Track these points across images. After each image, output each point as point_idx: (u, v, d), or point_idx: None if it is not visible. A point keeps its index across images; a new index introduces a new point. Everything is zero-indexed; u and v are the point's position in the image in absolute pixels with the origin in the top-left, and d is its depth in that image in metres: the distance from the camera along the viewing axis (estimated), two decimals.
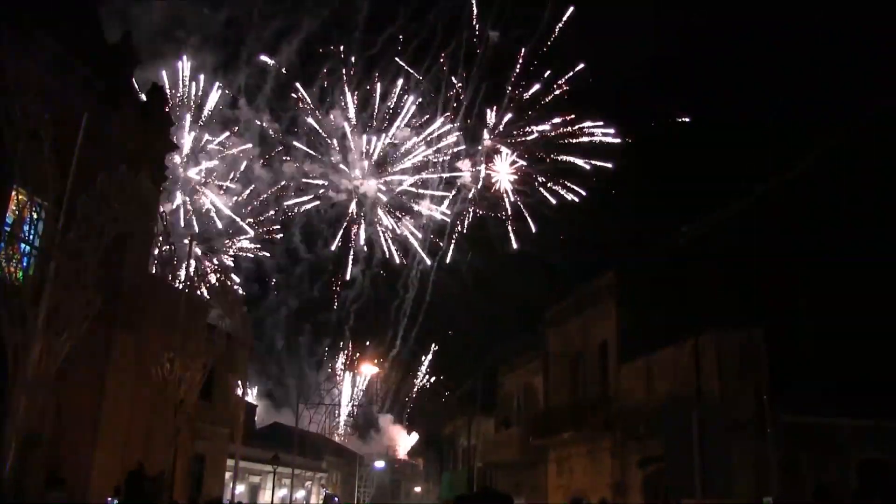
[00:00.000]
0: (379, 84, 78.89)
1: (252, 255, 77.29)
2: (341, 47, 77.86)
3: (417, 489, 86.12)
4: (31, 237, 19.75)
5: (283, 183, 78.34)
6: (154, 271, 22.29)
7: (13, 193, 19.41)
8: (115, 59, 25.03)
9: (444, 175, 79.31)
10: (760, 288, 22.11)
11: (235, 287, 26.29)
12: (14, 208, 19.93)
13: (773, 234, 23.29)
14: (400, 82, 79.17)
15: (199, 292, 23.91)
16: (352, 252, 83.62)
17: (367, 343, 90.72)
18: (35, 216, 19.53)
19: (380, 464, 78.54)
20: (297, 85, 77.71)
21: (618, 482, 26.08)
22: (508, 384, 40.47)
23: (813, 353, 20.33)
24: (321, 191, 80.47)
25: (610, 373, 28.07)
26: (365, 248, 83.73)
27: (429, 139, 79.01)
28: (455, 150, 79.14)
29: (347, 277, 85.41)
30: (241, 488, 43.61)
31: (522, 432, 34.77)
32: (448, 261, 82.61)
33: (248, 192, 75.65)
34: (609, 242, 66.80)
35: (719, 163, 61.22)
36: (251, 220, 76.23)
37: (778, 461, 17.22)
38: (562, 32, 76.19)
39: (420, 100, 79.37)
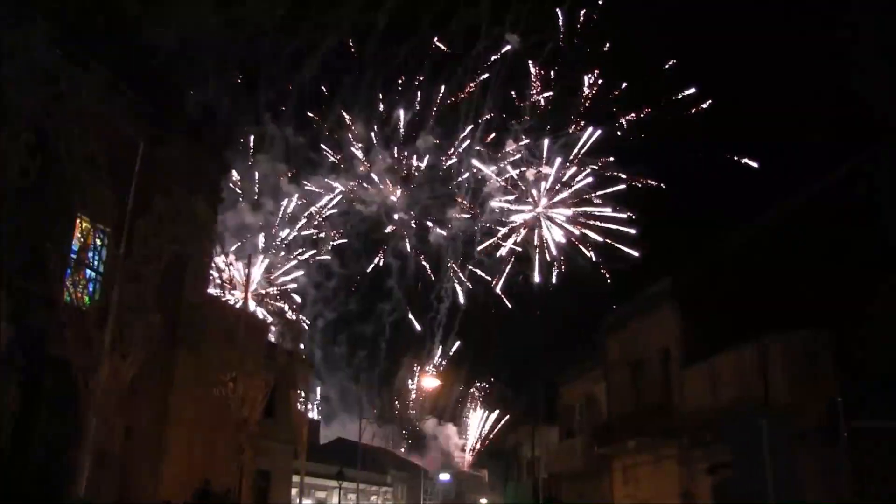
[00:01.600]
0: (400, 96, 79.26)
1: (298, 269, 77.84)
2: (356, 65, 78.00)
3: (483, 501, 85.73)
4: (96, 263, 20.24)
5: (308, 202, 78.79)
6: (213, 291, 22.65)
7: (77, 221, 19.91)
8: (165, 84, 25.52)
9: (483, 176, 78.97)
10: (826, 288, 21.50)
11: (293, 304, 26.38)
12: (79, 235, 20.46)
13: (838, 230, 22.65)
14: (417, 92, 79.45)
15: (257, 311, 24.18)
16: (385, 265, 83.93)
17: (408, 354, 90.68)
18: (98, 242, 20.02)
19: (444, 476, 78.41)
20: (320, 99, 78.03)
21: (685, 490, 25.59)
22: (569, 394, 40.11)
23: (883, 354, 19.69)
24: (352, 205, 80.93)
25: (672, 379, 27.60)
26: (399, 261, 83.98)
27: (454, 151, 79.03)
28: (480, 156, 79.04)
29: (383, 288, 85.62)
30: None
31: (586, 442, 34.40)
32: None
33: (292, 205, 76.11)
34: (666, 246, 65.84)
35: (779, 158, 60.12)
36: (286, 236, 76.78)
37: (849, 469, 16.65)
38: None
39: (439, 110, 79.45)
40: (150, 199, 17.24)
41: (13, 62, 13.31)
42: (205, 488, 23.67)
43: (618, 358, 32.88)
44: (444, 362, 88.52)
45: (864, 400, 17.81)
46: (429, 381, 68.47)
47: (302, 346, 27.35)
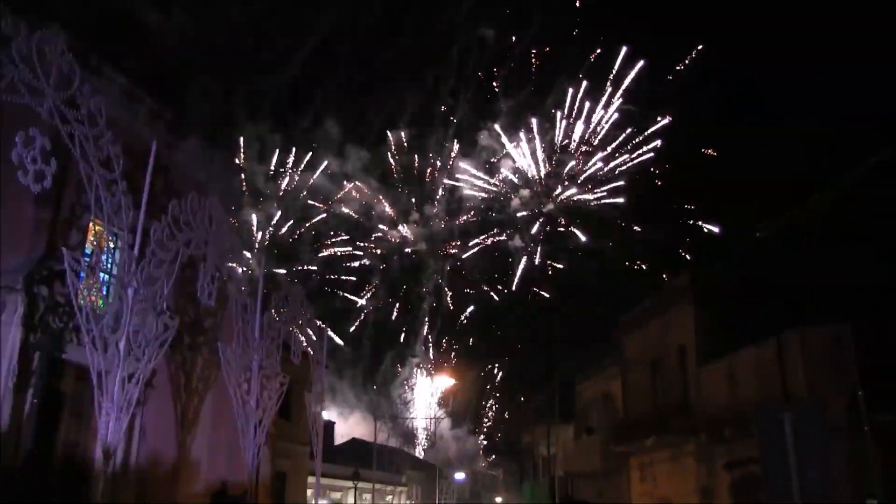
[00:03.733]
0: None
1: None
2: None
3: (498, 500, 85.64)
4: (109, 266, 20.22)
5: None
6: (227, 292, 22.63)
7: (90, 224, 19.92)
8: (179, 88, 25.56)
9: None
10: (845, 282, 21.29)
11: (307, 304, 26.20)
12: (92, 239, 20.46)
13: (855, 224, 22.45)
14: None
15: (272, 312, 24.09)
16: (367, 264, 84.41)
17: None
18: (112, 245, 20.00)
19: (460, 476, 78.36)
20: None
21: (704, 487, 25.42)
22: (586, 392, 39.99)
23: None
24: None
25: (690, 376, 27.44)
26: (381, 262, 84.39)
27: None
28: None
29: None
30: None
31: (603, 440, 34.27)
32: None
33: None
34: (683, 243, 65.75)
35: (798, 153, 59.78)
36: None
37: (878, 463, 16.46)
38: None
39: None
40: (164, 201, 17.22)
41: (28, 67, 13.28)
42: (221, 491, 23.67)
43: (635, 355, 32.75)
44: (453, 361, 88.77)
45: (888, 393, 17.59)
46: (443, 379, 68.12)
47: (313, 348, 27.20)
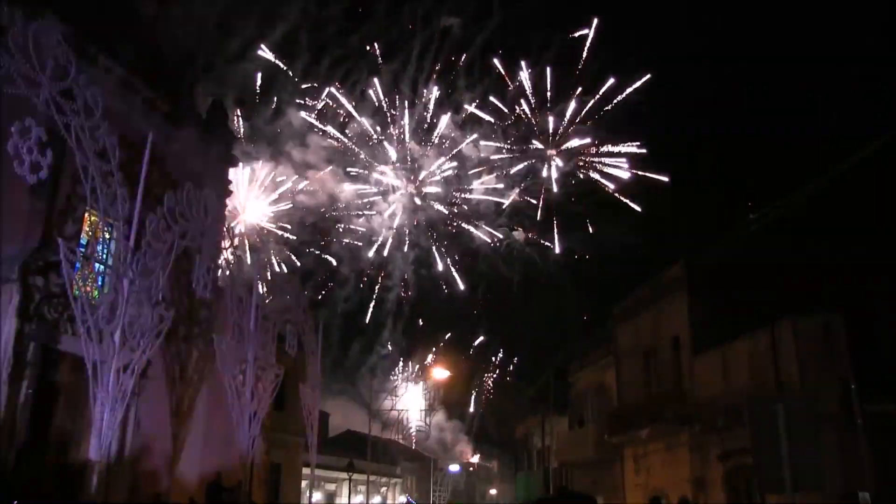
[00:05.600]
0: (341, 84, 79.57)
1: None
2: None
3: (493, 491, 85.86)
4: (105, 256, 20.24)
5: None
6: (223, 284, 22.66)
7: (86, 215, 19.91)
8: (176, 79, 25.51)
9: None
10: (838, 272, 21.37)
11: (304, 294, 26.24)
12: (87, 229, 20.47)
13: (848, 214, 22.50)
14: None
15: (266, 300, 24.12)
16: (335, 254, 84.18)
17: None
18: (107, 236, 20.02)
19: (454, 467, 78.42)
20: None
21: (698, 477, 25.56)
22: (580, 382, 40.06)
23: None
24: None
25: (684, 366, 27.53)
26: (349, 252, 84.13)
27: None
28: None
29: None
30: (317, 496, 44.09)
31: (597, 430, 34.36)
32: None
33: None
34: (677, 232, 65.77)
35: (789, 144, 59.92)
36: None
37: (869, 453, 16.55)
38: None
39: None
40: (159, 192, 17.20)
41: (24, 58, 13.27)
42: (216, 482, 23.71)
43: (629, 346, 32.82)
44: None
45: (880, 383, 17.69)
46: (439, 371, 68.10)
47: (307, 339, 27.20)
